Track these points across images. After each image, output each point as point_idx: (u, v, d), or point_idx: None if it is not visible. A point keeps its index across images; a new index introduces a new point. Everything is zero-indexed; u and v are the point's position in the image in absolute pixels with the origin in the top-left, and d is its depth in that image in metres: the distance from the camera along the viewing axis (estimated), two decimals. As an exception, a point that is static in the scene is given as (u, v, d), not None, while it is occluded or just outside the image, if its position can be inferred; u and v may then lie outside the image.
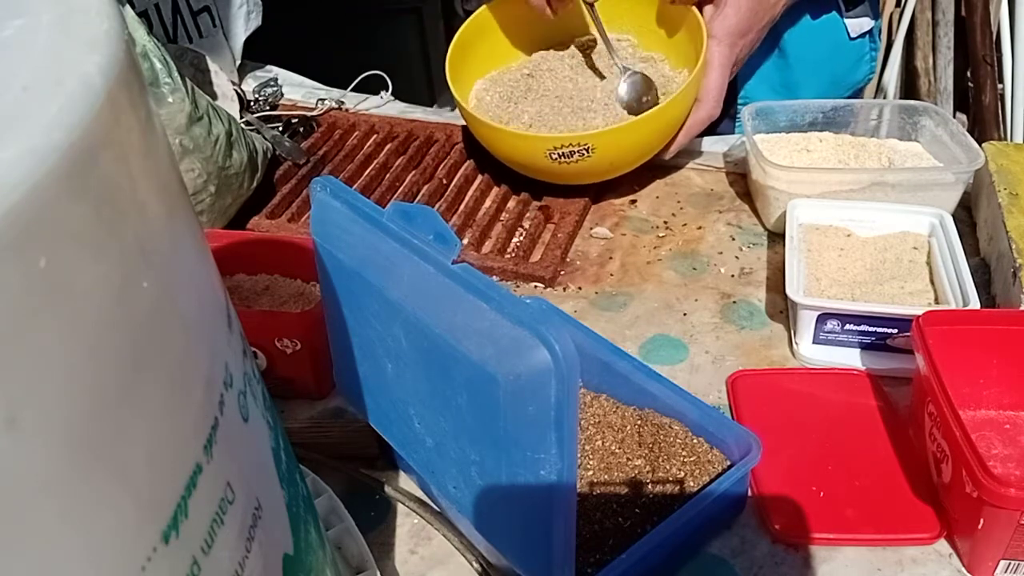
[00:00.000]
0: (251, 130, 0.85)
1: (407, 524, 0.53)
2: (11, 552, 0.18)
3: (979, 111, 1.77)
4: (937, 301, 0.62)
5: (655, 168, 0.85)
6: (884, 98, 1.85)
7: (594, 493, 0.50)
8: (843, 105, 0.82)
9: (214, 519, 0.25)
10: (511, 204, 0.82)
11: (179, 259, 0.25)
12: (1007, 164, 0.72)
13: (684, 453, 0.52)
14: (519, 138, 0.76)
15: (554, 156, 0.72)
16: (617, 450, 0.52)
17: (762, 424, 0.55)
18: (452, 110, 0.95)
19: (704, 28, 0.75)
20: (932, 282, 0.64)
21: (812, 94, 0.90)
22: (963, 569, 0.49)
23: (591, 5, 0.78)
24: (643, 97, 0.79)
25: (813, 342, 0.62)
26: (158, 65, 0.65)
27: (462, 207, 0.81)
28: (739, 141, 0.86)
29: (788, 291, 0.61)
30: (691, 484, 0.50)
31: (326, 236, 0.46)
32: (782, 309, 0.68)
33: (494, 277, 0.73)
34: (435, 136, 0.91)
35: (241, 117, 0.89)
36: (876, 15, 0.97)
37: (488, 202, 0.82)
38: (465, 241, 0.76)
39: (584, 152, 0.71)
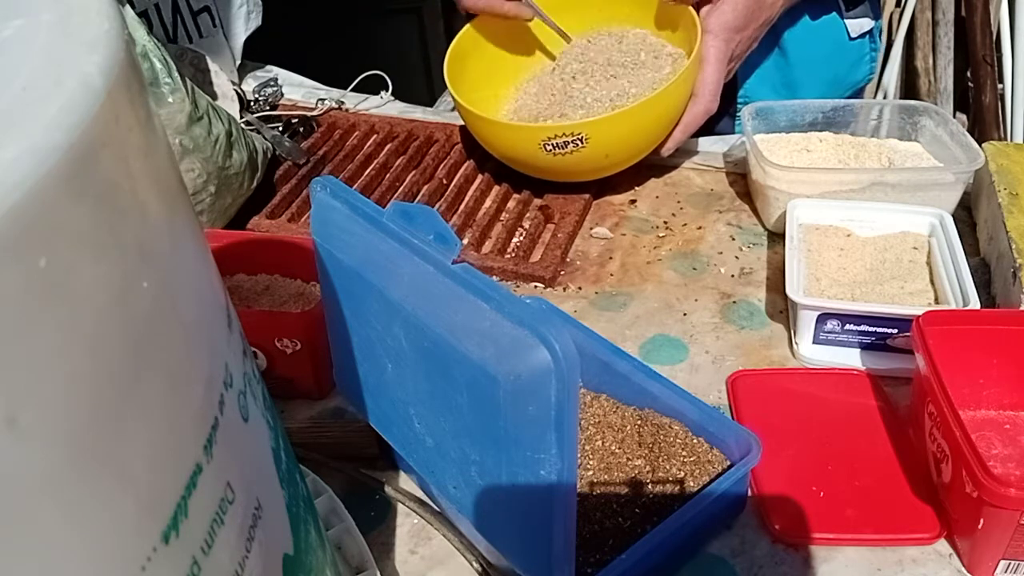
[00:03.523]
0: (251, 130, 0.85)
1: (407, 524, 0.53)
2: (11, 552, 0.18)
3: (979, 111, 1.77)
4: (937, 301, 0.62)
5: (655, 168, 0.85)
6: (884, 98, 1.86)
7: (594, 493, 0.50)
8: (843, 105, 0.82)
9: (214, 519, 0.25)
10: (511, 204, 0.82)
11: (179, 259, 0.25)
12: (1007, 164, 0.72)
13: (684, 453, 0.52)
14: (512, 129, 0.76)
15: (548, 147, 0.72)
16: (617, 450, 0.52)
17: (762, 424, 0.55)
18: (452, 110, 0.95)
19: (699, 23, 0.75)
20: (932, 282, 0.64)
21: (812, 94, 0.90)
22: (963, 569, 0.49)
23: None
24: None
25: (813, 342, 0.62)
26: (158, 65, 0.65)
27: (462, 207, 0.81)
28: (739, 141, 0.86)
29: (788, 291, 0.61)
30: (691, 484, 0.50)
31: (326, 236, 0.46)
32: (782, 309, 0.68)
33: (494, 277, 0.73)
34: (435, 136, 0.91)
35: (241, 117, 0.89)
36: (876, 16, 0.97)
37: (488, 202, 0.82)
38: (465, 241, 0.76)
39: (578, 142, 0.71)
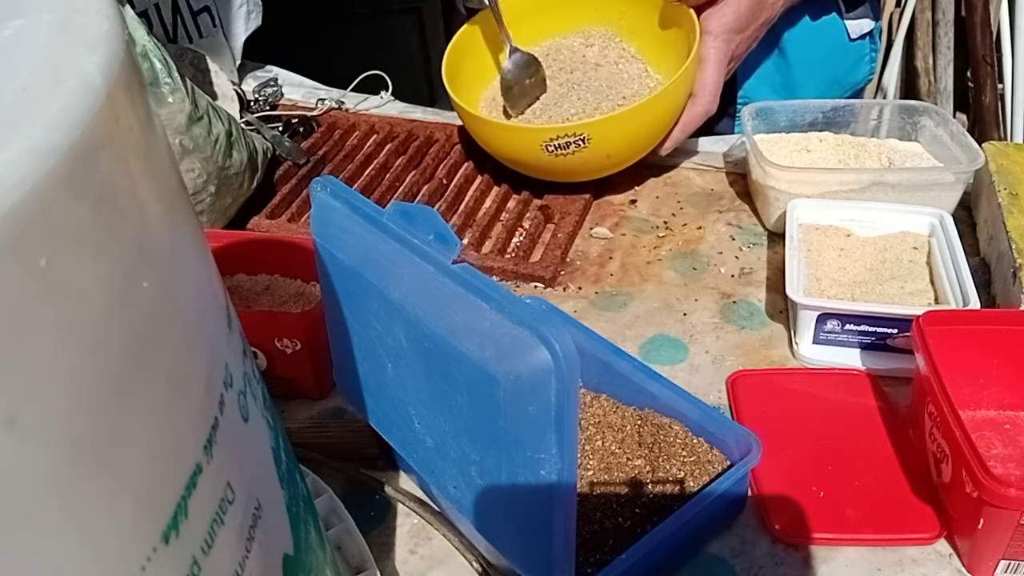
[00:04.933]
0: (251, 130, 0.85)
1: (407, 524, 0.53)
2: (11, 552, 0.18)
3: (979, 111, 1.77)
4: (937, 301, 0.62)
5: (655, 168, 0.85)
6: (884, 98, 1.85)
7: (594, 493, 0.50)
8: (843, 105, 0.82)
9: (214, 519, 0.25)
10: (511, 204, 0.82)
11: (179, 259, 0.25)
12: (1007, 164, 0.72)
13: (684, 453, 0.52)
14: (513, 131, 0.76)
15: (550, 148, 0.72)
16: (617, 450, 0.52)
17: (762, 424, 0.55)
18: (452, 110, 0.95)
19: (697, 24, 0.75)
20: (932, 282, 0.64)
21: (812, 95, 0.90)
22: (963, 569, 0.49)
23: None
24: (527, 79, 0.81)
25: (813, 342, 0.62)
26: (158, 65, 0.65)
27: (462, 207, 0.81)
28: (739, 141, 0.86)
29: (788, 291, 0.61)
30: (691, 484, 0.50)
31: (326, 236, 0.46)
32: (782, 309, 0.68)
33: (494, 277, 0.73)
34: (435, 136, 0.91)
35: (241, 117, 0.89)
36: (876, 17, 0.97)
37: (488, 202, 0.82)
38: (465, 241, 0.76)
39: (580, 143, 0.71)
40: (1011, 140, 1.74)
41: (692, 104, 0.77)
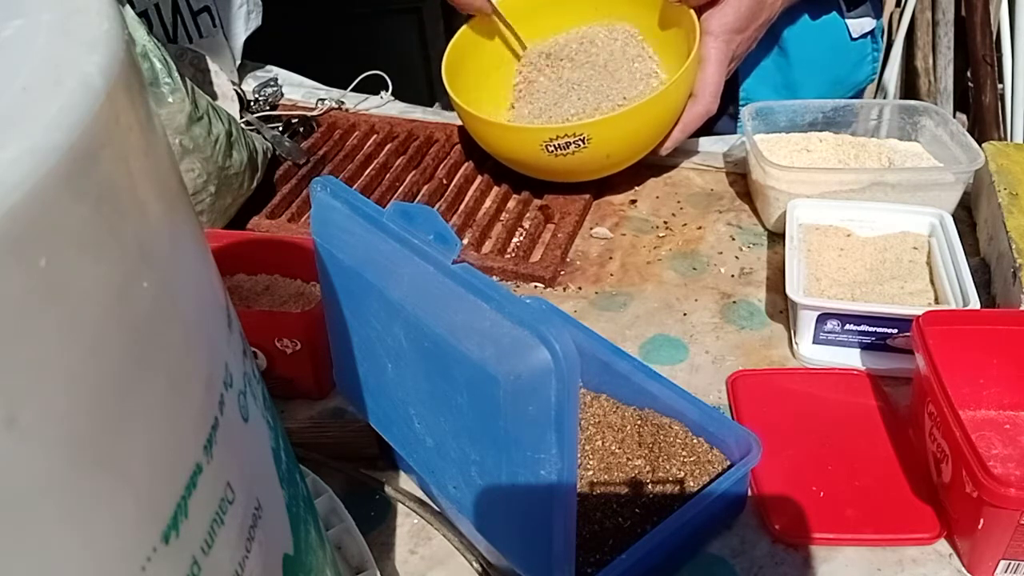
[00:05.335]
0: (251, 130, 0.85)
1: (407, 524, 0.53)
2: (11, 552, 0.18)
3: (979, 111, 1.77)
4: (937, 301, 0.62)
5: (655, 168, 0.85)
6: (884, 98, 1.85)
7: (594, 493, 0.50)
8: (843, 105, 0.82)
9: (214, 519, 0.25)
10: (511, 204, 0.82)
11: (179, 259, 0.25)
12: (1007, 164, 0.72)
13: (684, 453, 0.52)
14: (513, 131, 0.76)
15: (550, 148, 0.72)
16: (617, 450, 0.52)
17: (762, 424, 0.55)
18: (452, 110, 0.95)
19: (697, 24, 0.75)
20: (932, 282, 0.64)
21: (813, 94, 0.90)
22: (963, 569, 0.49)
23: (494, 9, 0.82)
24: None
25: (813, 342, 0.62)
26: (158, 65, 0.65)
27: (462, 207, 0.81)
28: (739, 141, 0.86)
29: (788, 291, 0.61)
30: (691, 484, 0.50)
31: (326, 236, 0.46)
32: (782, 309, 0.68)
33: (494, 277, 0.73)
34: (435, 136, 0.91)
35: (241, 117, 0.89)
36: (878, 15, 0.96)
37: (488, 202, 0.82)
38: (465, 241, 0.76)
39: (580, 143, 0.71)
40: (1011, 140, 1.74)
41: (692, 104, 0.77)
